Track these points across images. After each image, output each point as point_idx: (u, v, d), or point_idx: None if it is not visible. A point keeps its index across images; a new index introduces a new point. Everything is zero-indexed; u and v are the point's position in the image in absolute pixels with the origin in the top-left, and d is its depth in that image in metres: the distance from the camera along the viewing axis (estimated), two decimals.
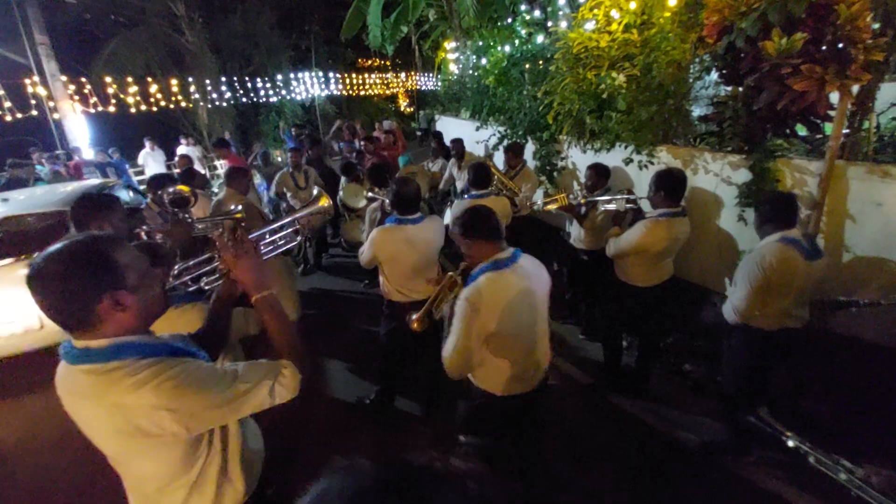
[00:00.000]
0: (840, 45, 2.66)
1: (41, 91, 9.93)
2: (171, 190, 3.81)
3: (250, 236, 1.47)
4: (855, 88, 2.80)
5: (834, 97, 2.80)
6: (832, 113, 2.85)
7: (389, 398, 3.32)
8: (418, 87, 19.91)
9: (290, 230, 1.68)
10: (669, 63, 3.65)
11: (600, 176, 3.65)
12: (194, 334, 1.43)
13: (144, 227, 2.75)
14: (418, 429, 3.17)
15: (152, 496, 1.24)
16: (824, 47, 2.71)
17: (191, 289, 1.66)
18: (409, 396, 3.37)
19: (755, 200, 3.05)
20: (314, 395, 3.56)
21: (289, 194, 5.31)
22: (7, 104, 9.37)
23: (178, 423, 1.09)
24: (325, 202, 1.74)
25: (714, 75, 3.78)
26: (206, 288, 1.55)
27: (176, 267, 1.49)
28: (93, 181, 6.32)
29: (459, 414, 2.33)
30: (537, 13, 5.88)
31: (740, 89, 3.18)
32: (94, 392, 1.07)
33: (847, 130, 2.95)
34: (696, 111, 4.17)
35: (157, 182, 4.07)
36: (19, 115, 9.59)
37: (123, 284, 1.09)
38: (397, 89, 21.70)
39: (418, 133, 16.83)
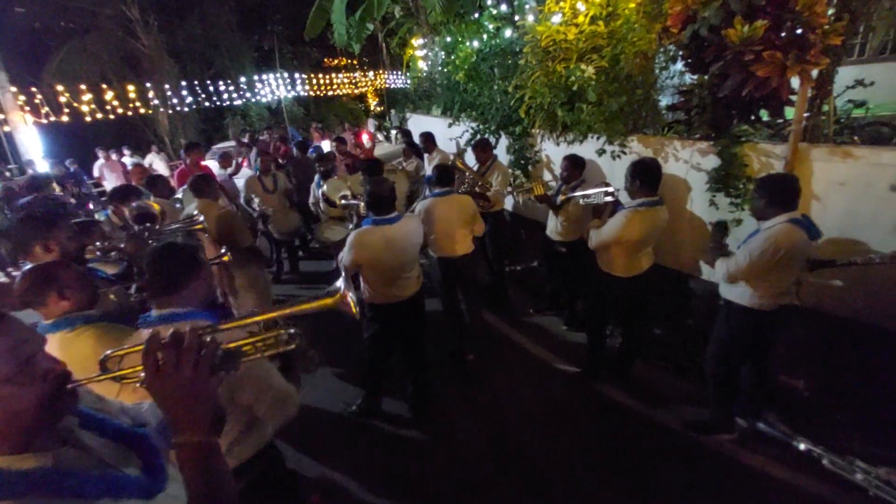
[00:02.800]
0: (799, 31, 2.73)
1: None
2: (134, 205, 3.60)
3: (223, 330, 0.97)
4: (814, 73, 2.89)
5: (795, 82, 2.88)
6: (794, 97, 2.94)
7: (376, 403, 3.27)
8: (387, 86, 19.71)
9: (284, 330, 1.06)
10: (636, 54, 3.70)
11: (575, 167, 3.67)
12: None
13: (98, 244, 2.61)
14: (407, 433, 3.13)
15: None
16: (784, 34, 2.78)
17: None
18: (397, 399, 3.33)
19: (725, 185, 3.13)
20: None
21: (256, 200, 5.13)
22: None
23: None
24: (332, 300, 1.11)
25: (679, 65, 3.85)
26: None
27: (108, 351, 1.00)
28: None
29: None
30: (504, 7, 5.88)
31: (706, 77, 3.24)
32: None
33: (808, 114, 3.05)
34: (663, 101, 4.25)
35: (120, 194, 3.82)
36: None
37: None
38: (366, 88, 21.42)
39: (393, 131, 16.68)
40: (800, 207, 2.90)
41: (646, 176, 2.77)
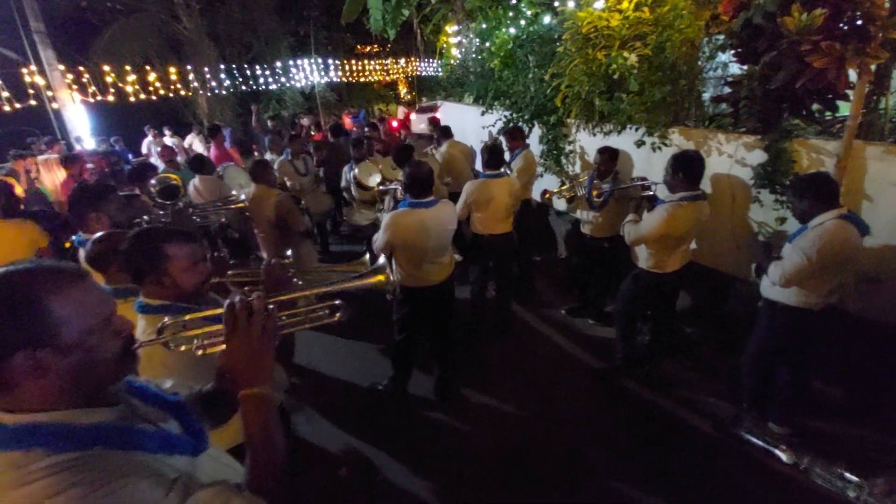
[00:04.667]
0: (859, 22, 2.60)
1: (39, 80, 9.80)
2: (154, 181, 3.74)
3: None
4: (873, 67, 2.75)
5: (852, 76, 2.74)
6: (849, 92, 2.80)
7: (403, 384, 3.33)
8: (419, 73, 19.62)
9: (326, 303, 1.22)
10: (683, 42, 3.59)
11: (612, 159, 3.62)
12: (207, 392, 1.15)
13: (145, 217, 2.73)
14: (432, 414, 3.19)
15: None
16: (843, 24, 2.65)
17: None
18: (423, 382, 3.39)
19: (772, 182, 3.02)
20: (327, 382, 3.58)
21: (288, 182, 5.26)
22: (5, 94, 9.25)
23: None
24: (380, 278, 1.38)
25: (724, 55, 3.72)
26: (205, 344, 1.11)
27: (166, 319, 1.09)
28: None
29: None
30: None
31: (756, 68, 3.12)
32: None
33: (863, 110, 2.90)
34: (705, 93, 4.11)
35: (139, 173, 3.93)
36: (18, 106, 9.49)
37: (50, 341, 0.78)
38: (397, 75, 21.40)
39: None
40: (851, 207, 2.82)
41: (689, 168, 2.71)
